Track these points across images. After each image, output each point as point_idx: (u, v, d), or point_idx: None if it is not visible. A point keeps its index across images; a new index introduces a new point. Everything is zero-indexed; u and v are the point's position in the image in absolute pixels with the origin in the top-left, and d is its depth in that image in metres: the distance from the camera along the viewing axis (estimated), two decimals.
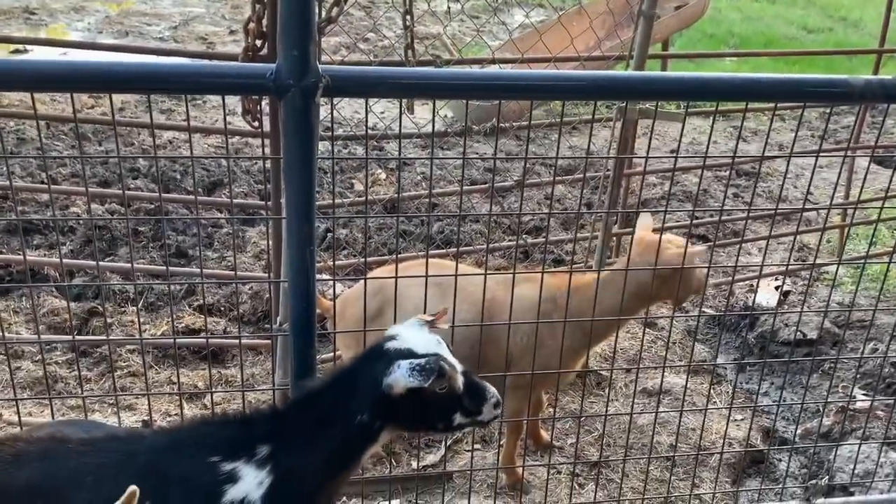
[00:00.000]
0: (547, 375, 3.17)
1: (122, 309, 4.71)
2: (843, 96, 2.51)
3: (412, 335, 2.21)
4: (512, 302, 2.79)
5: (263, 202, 4.60)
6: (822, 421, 3.91)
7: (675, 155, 2.47)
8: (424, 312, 2.65)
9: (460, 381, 2.19)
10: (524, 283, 3.17)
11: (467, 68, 3.92)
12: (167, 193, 6.14)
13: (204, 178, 6.43)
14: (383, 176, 6.95)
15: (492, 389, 2.28)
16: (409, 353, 2.13)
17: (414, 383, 2.06)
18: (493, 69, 3.89)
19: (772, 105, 3.76)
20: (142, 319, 4.59)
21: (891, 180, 2.79)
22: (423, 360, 2.07)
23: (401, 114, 2.37)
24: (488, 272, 2.93)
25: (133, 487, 1.67)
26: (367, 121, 2.29)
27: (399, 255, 3.30)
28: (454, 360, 2.20)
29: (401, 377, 2.07)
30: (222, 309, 4.81)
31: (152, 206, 5.71)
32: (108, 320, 4.53)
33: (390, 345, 2.18)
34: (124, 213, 5.72)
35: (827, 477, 3.44)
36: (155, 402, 3.94)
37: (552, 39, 4.71)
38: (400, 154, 2.30)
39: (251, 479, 2.11)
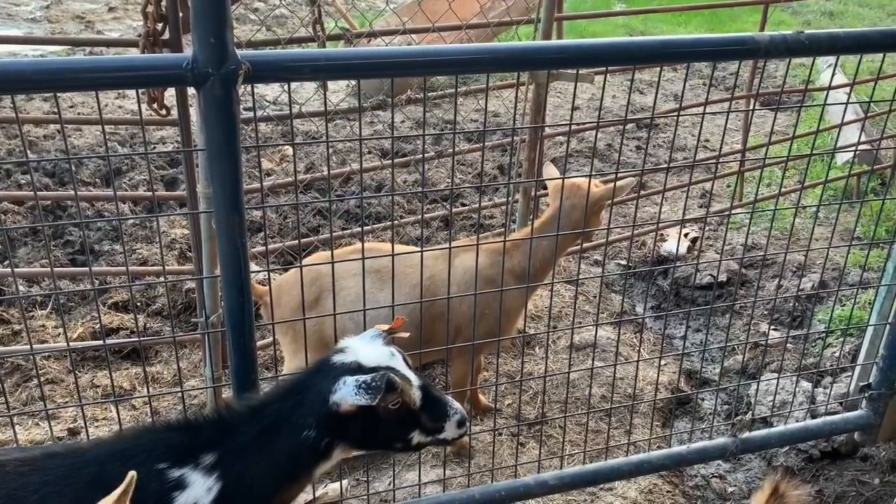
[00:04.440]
0: (491, 336, 3.24)
1: (31, 313, 4.46)
2: (750, 53, 2.61)
3: (362, 348, 2.09)
4: (450, 274, 2.80)
5: (182, 193, 4.42)
6: (744, 359, 4.13)
7: (597, 120, 2.51)
8: (364, 301, 2.63)
9: (416, 395, 2.07)
10: (463, 254, 3.20)
11: (380, 41, 3.85)
12: (62, 186, 5.82)
13: (101, 168, 6.12)
14: (290, 152, 6.80)
15: (455, 405, 2.16)
16: (356, 368, 2.02)
17: (361, 401, 1.94)
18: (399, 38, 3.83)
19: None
20: (53, 322, 4.37)
21: (796, 125, 2.94)
22: (369, 377, 1.96)
23: (325, 95, 2.32)
24: (424, 248, 2.93)
25: (132, 473, 1.62)
26: (290, 104, 2.22)
27: (323, 238, 3.26)
28: (409, 373, 2.07)
29: (347, 395, 1.96)
30: (139, 304, 4.62)
31: (48, 203, 5.39)
32: (17, 327, 4.28)
33: (337, 359, 2.07)
34: (18, 211, 5.40)
35: (750, 413, 3.65)
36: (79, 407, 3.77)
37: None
38: (327, 137, 2.25)
39: (200, 486, 2.05)
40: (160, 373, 4.12)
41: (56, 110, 7.37)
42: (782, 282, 4.99)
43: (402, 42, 4.43)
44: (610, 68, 4.59)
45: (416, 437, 2.13)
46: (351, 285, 3.01)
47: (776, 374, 3.91)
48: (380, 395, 1.94)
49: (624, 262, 5.52)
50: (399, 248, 3.09)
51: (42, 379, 4.00)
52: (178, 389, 2.79)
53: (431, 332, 3.17)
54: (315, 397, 2.04)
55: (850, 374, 3.81)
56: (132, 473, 1.61)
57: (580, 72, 3.73)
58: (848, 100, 3.00)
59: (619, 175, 2.84)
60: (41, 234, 5.15)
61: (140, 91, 2.47)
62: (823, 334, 4.37)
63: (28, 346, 3.15)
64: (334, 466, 2.43)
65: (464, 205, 5.93)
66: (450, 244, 2.69)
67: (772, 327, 4.59)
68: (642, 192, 5.86)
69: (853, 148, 4.36)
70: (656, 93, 2.56)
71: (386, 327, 2.16)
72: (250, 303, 2.36)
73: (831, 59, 7.44)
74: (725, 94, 8.14)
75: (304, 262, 3.20)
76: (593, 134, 7.41)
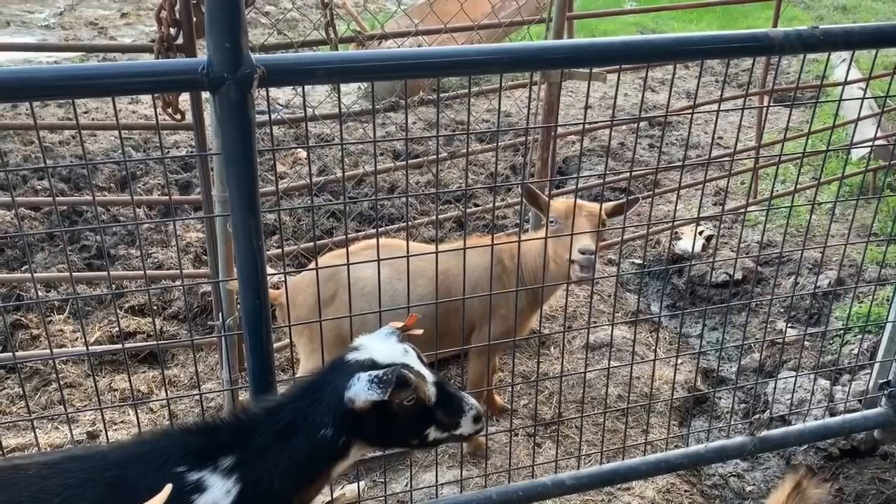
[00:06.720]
0: (506, 336, 3.23)
1: (49, 318, 4.49)
2: (765, 49, 2.59)
3: (377, 345, 2.10)
4: (465, 271, 2.80)
5: (197, 197, 4.45)
6: (761, 357, 4.11)
7: (611, 119, 2.51)
8: (380, 295, 2.63)
9: (431, 391, 2.07)
10: (470, 251, 3.19)
11: (392, 43, 3.85)
12: (77, 191, 5.87)
13: (115, 173, 6.16)
14: (303, 155, 6.82)
15: (471, 401, 2.16)
16: (370, 365, 2.03)
17: (374, 396, 1.95)
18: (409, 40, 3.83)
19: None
20: (71, 327, 4.40)
21: (811, 121, 2.93)
22: (380, 372, 1.97)
23: (339, 97, 2.32)
24: (437, 245, 2.93)
25: (169, 485, 1.62)
26: (304, 107, 2.23)
27: (337, 241, 3.27)
28: (424, 370, 2.08)
29: (360, 390, 1.97)
30: (155, 308, 4.65)
31: (64, 209, 5.43)
32: (35, 331, 4.32)
33: (352, 356, 2.09)
34: (35, 217, 5.45)
35: (768, 411, 3.62)
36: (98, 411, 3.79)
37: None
38: (342, 139, 2.25)
39: (219, 489, 2.05)
40: (177, 376, 4.14)
41: (70, 116, 7.45)
42: (799, 279, 4.96)
43: (414, 44, 4.43)
44: (623, 66, 4.57)
45: (433, 433, 2.13)
46: (367, 276, 3.03)
47: (794, 372, 3.89)
48: (391, 389, 1.94)
49: (639, 261, 5.50)
50: (412, 245, 3.10)
51: (61, 383, 4.04)
52: (196, 392, 2.80)
53: (446, 327, 3.18)
54: (331, 395, 2.05)
55: (868, 371, 3.78)
56: (169, 486, 1.63)
57: (593, 70, 3.72)
58: (864, 95, 2.98)
59: (633, 174, 2.83)
60: (58, 239, 5.19)
61: (154, 96, 2.49)
62: (841, 331, 4.34)
63: (48, 351, 3.18)
64: (351, 466, 2.43)
65: (477, 205, 5.92)
66: (464, 244, 2.68)
67: (789, 325, 4.56)
68: (657, 191, 5.83)
69: (869, 143, 4.33)
70: (670, 90, 2.55)
71: (400, 324, 2.16)
72: (267, 305, 2.36)
73: (845, 54, 7.39)
74: (739, 92, 8.10)
75: (321, 261, 3.20)
76: (606, 133, 7.39)
